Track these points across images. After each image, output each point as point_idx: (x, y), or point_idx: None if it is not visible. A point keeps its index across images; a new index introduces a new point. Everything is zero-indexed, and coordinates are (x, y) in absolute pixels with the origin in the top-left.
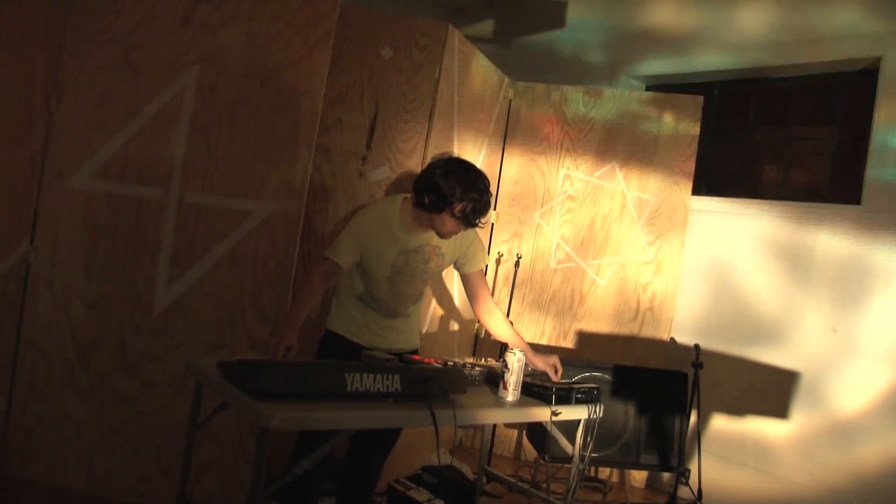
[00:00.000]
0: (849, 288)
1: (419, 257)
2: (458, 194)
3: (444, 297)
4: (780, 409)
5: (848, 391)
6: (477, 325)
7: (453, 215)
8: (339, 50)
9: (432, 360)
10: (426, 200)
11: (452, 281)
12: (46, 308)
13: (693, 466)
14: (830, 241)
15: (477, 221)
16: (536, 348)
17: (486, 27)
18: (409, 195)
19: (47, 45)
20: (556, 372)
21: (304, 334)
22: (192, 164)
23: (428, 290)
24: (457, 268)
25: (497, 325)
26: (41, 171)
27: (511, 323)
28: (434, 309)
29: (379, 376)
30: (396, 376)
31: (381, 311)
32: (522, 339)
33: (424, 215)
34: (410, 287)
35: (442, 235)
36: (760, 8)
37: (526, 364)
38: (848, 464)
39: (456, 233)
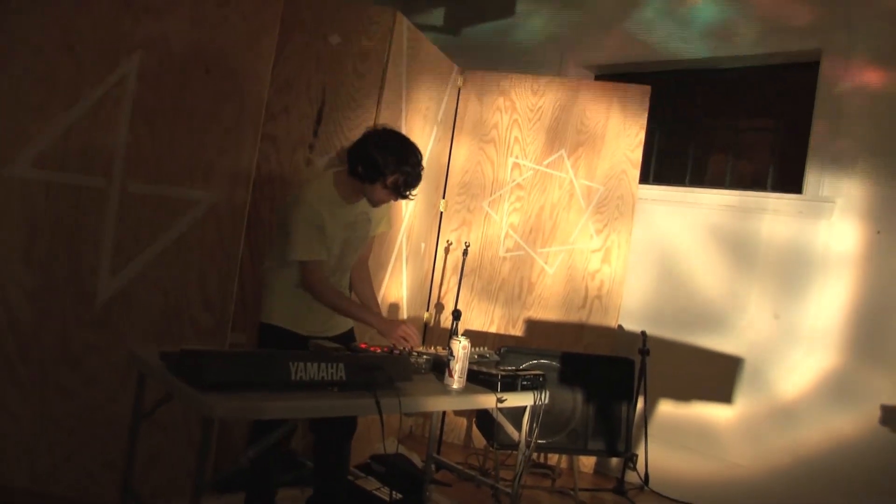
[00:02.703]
0: (790, 275)
1: (356, 226)
2: (392, 167)
3: (394, 287)
4: (724, 393)
5: (789, 375)
6: (427, 313)
7: (385, 186)
8: (287, 36)
9: (378, 349)
10: (359, 169)
11: (401, 271)
12: None
13: (640, 451)
14: (773, 229)
15: (407, 193)
16: (485, 337)
17: (436, 15)
18: (337, 169)
19: None
20: (407, 342)
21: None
22: (135, 152)
23: (381, 278)
24: None
25: (358, 281)
26: None
27: (371, 286)
28: (383, 298)
29: (323, 365)
30: (341, 365)
31: None
32: (375, 301)
33: (357, 184)
34: (350, 258)
35: (373, 204)
36: None
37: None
38: (790, 445)
39: (386, 202)
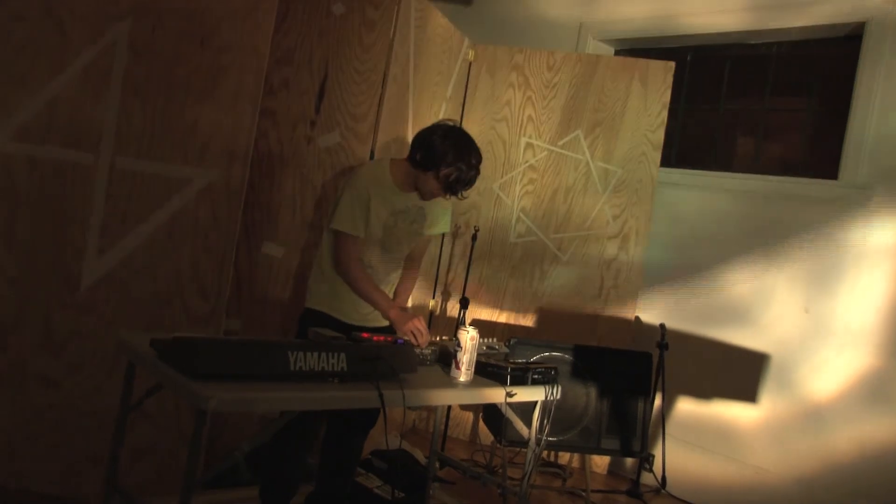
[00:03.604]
0: (822, 267)
1: (406, 218)
2: (449, 159)
3: None
4: (748, 392)
5: (820, 374)
6: (432, 301)
7: (437, 178)
8: (287, 5)
9: (382, 338)
10: (418, 156)
11: None
12: None
13: (657, 452)
14: (804, 217)
15: (458, 191)
16: (493, 327)
17: None
18: (395, 157)
19: None
20: (415, 337)
21: (280, 316)
22: (124, 126)
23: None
24: None
25: (403, 271)
26: None
27: (412, 283)
28: None
29: (324, 355)
30: (342, 355)
31: None
32: (405, 296)
33: (412, 173)
34: (397, 250)
35: (423, 196)
36: None
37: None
38: (819, 450)
39: (436, 196)
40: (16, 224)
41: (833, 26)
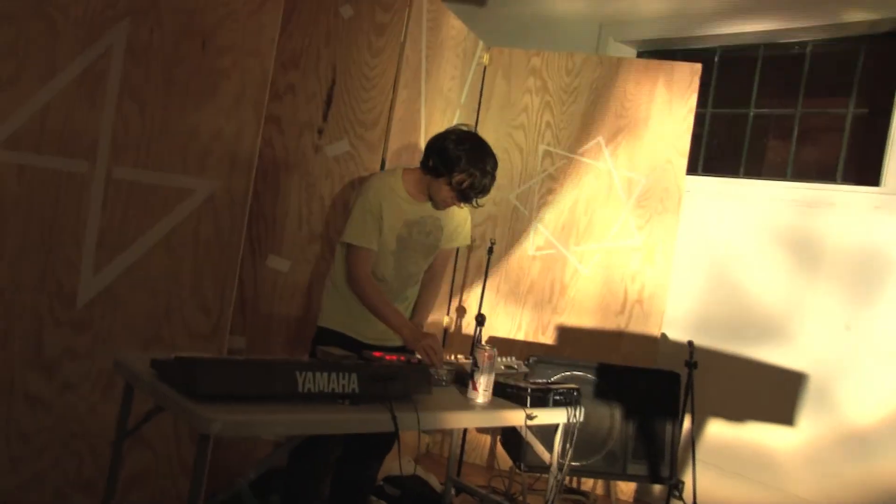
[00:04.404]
0: (864, 280)
1: (421, 229)
2: (462, 165)
3: None
4: (785, 414)
5: (863, 396)
6: (447, 318)
7: (450, 184)
8: (293, 6)
9: (394, 358)
10: (430, 162)
11: None
12: None
13: (687, 478)
14: (844, 227)
15: (472, 198)
16: (512, 344)
17: None
18: (408, 167)
19: None
20: (429, 357)
21: (287, 333)
22: (122, 134)
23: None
24: None
25: (421, 287)
26: None
27: (432, 300)
28: None
29: (333, 375)
30: (353, 375)
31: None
32: (424, 313)
33: (425, 180)
34: (412, 263)
35: (436, 204)
36: None
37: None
38: (864, 478)
39: (449, 205)
40: (5, 236)
41: (874, 22)
